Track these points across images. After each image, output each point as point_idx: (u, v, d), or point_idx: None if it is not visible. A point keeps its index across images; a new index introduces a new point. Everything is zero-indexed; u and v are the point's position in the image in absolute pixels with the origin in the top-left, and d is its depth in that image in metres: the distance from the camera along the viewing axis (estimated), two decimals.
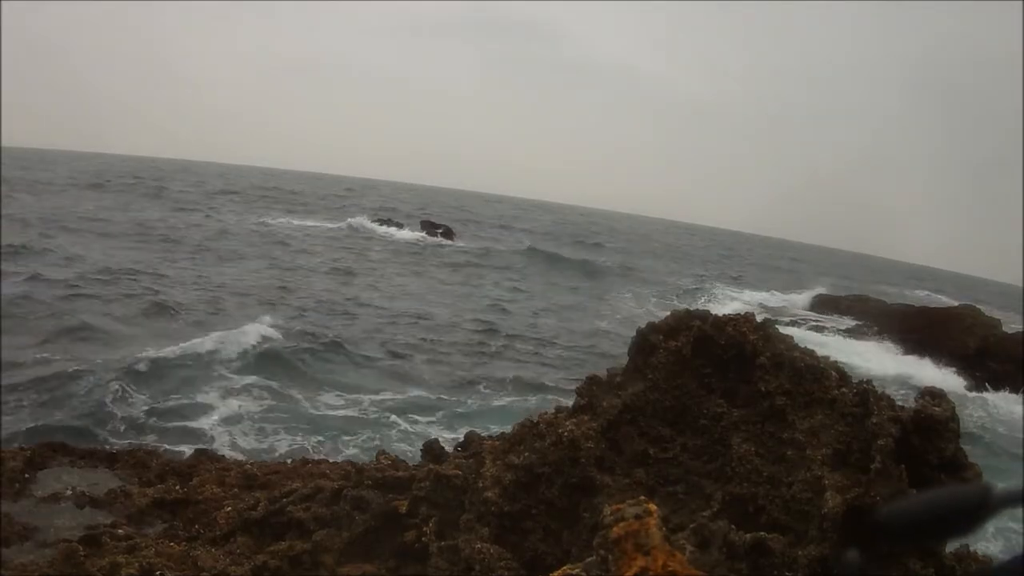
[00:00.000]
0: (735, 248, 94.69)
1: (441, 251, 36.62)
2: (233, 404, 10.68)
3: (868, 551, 2.85)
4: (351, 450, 9.67)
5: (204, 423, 9.87)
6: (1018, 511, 1.15)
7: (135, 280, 18.44)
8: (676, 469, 3.54)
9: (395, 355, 14.78)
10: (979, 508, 1.13)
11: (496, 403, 12.53)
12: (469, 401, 12.44)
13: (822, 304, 32.87)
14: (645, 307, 26.72)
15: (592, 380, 3.89)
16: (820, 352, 3.66)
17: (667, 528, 2.31)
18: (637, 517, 2.17)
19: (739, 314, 3.82)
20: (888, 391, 3.45)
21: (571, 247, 47.65)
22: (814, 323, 27.64)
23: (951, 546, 3.13)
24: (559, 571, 2.35)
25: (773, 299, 34.15)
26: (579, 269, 35.91)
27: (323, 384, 12.21)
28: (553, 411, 3.92)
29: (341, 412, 11.16)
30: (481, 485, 3.57)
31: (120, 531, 4.56)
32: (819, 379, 3.46)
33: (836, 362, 3.60)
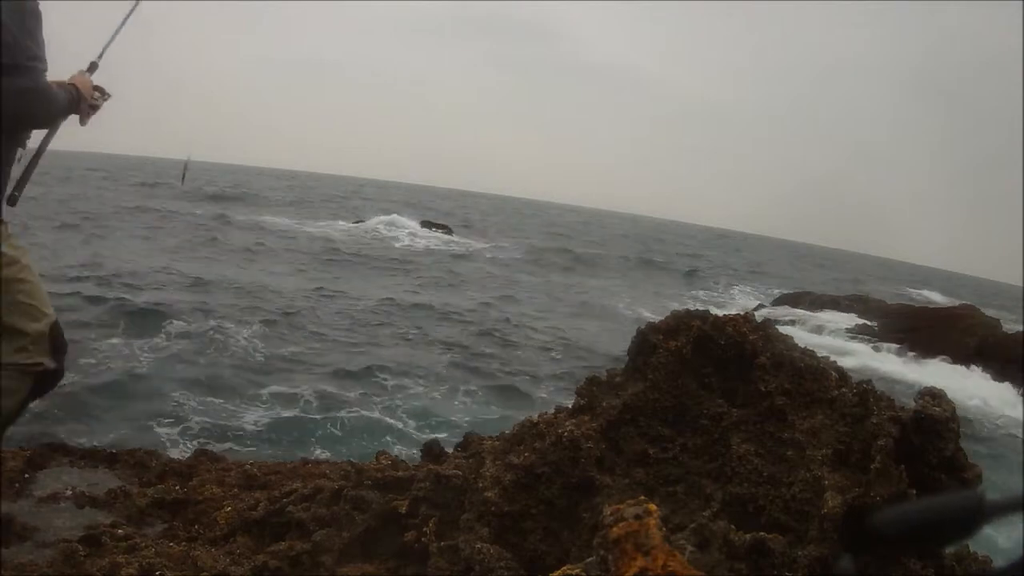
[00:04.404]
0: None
1: None
2: None
3: (868, 551, 2.85)
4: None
5: None
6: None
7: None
8: (676, 469, 3.54)
9: None
10: (973, 516, 1.13)
11: None
12: None
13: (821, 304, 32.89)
14: None
15: (592, 380, 3.89)
16: None
17: (667, 528, 2.30)
18: (637, 517, 2.17)
19: (738, 314, 3.82)
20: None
21: None
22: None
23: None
24: (559, 571, 2.34)
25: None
26: None
27: None
28: (553, 411, 3.92)
29: None
30: (481, 485, 3.56)
31: (120, 531, 4.55)
32: (819, 379, 3.46)
33: (834, 361, 3.61)
